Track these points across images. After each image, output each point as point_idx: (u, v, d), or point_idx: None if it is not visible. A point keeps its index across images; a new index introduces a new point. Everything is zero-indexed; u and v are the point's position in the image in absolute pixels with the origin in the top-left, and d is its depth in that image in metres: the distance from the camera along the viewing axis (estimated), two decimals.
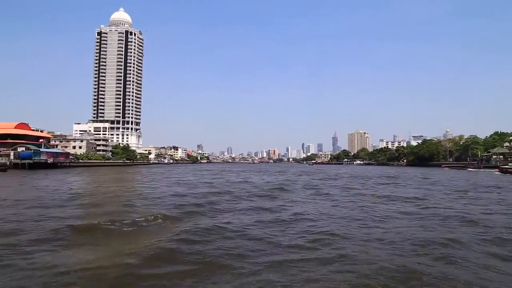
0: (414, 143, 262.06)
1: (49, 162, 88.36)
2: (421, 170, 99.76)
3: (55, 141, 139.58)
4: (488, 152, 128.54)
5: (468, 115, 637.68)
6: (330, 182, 43.34)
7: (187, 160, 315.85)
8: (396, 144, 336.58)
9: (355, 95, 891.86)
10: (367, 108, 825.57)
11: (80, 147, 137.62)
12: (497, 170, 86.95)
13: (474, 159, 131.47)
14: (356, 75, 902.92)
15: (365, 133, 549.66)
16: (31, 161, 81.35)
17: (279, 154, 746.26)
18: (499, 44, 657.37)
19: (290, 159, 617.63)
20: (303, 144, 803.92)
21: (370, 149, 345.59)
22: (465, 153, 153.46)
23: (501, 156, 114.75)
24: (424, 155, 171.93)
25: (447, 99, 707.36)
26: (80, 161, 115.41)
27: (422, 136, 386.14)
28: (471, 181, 46.79)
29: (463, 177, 58.60)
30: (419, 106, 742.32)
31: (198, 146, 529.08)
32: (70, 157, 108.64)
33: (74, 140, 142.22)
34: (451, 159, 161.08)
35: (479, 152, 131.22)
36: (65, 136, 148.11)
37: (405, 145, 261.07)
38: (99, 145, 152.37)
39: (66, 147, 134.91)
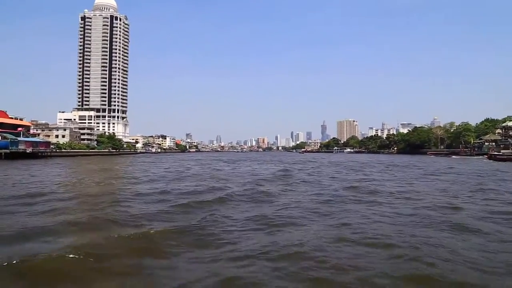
0: (403, 130, 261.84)
1: (28, 152, 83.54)
2: (408, 158, 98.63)
3: (36, 130, 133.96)
4: (480, 139, 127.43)
5: (455, 102, 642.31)
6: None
7: (176, 149, 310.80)
8: (385, 132, 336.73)
9: (343, 83, 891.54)
10: (356, 97, 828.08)
11: (63, 136, 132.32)
12: (487, 157, 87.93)
13: (466, 146, 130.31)
14: (345, 63, 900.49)
15: (354, 121, 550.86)
16: (7, 151, 76.51)
17: (268, 143, 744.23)
18: (489, 24, 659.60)
19: (279, 148, 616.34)
20: (292, 133, 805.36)
21: (359, 137, 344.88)
22: (457, 140, 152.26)
23: (493, 143, 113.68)
24: (415, 143, 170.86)
25: (435, 86, 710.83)
26: (63, 150, 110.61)
27: (410, 123, 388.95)
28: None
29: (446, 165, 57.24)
30: (406, 93, 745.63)
31: (187, 135, 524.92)
32: (52, 146, 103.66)
33: (57, 129, 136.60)
34: (442, 147, 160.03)
35: (471, 139, 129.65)
36: (48, 124, 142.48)
37: (394, 132, 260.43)
38: (83, 134, 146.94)
39: (49, 136, 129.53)
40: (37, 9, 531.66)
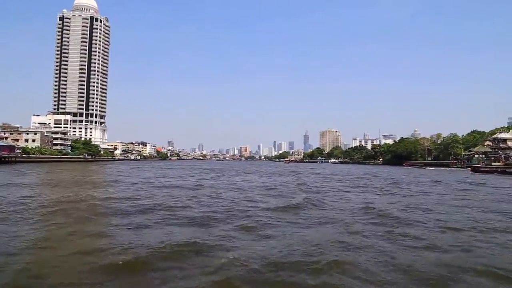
0: (384, 141, 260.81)
1: None
2: (400, 170, 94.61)
3: (4, 133, 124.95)
4: (469, 151, 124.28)
5: (434, 116, 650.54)
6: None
7: (156, 157, 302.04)
8: (369, 143, 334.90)
9: (325, 93, 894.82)
10: (337, 107, 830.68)
11: (33, 141, 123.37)
12: (470, 169, 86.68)
13: (456, 158, 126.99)
14: (327, 73, 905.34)
15: (336, 131, 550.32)
16: None
17: (250, 152, 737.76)
18: (465, 46, 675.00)
19: (262, 157, 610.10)
20: (274, 142, 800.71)
21: (342, 147, 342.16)
22: (444, 152, 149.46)
23: (483, 155, 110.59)
24: (402, 154, 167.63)
25: (414, 100, 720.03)
26: (31, 156, 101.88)
27: (391, 135, 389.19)
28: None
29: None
30: (387, 106, 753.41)
31: (169, 142, 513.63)
32: (18, 151, 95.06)
33: (27, 132, 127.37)
34: (429, 158, 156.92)
35: (461, 151, 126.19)
36: (17, 127, 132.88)
37: (379, 143, 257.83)
38: (56, 138, 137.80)
39: (17, 140, 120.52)
40: (15, 10, 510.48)
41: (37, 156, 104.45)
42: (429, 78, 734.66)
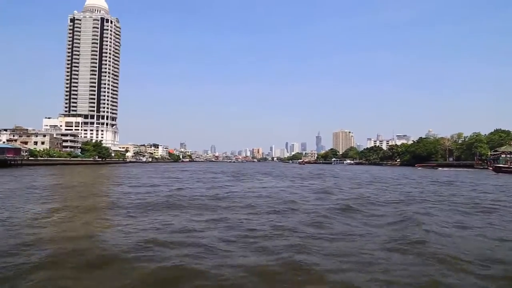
0: (399, 142, 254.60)
1: None
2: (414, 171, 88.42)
3: (13, 136, 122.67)
4: (495, 151, 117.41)
5: (449, 115, 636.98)
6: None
7: (168, 159, 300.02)
8: (384, 144, 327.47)
9: (337, 94, 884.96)
10: (349, 108, 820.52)
11: (42, 143, 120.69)
12: (491, 169, 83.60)
13: (481, 159, 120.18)
14: (339, 74, 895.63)
15: (350, 132, 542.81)
16: None
17: (263, 153, 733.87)
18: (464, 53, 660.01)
19: (275, 158, 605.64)
20: (286, 143, 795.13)
21: (355, 149, 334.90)
22: (467, 152, 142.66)
23: (511, 155, 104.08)
24: (421, 154, 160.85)
25: (428, 99, 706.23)
26: (39, 158, 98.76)
27: (406, 135, 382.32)
28: None
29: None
30: (400, 106, 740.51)
31: (181, 144, 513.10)
32: (25, 154, 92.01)
33: (36, 134, 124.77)
34: (451, 159, 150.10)
35: (488, 151, 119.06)
36: (26, 130, 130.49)
37: (393, 143, 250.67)
38: (66, 141, 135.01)
39: (26, 143, 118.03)
40: (26, 13, 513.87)
41: (45, 159, 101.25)
42: (438, 82, 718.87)
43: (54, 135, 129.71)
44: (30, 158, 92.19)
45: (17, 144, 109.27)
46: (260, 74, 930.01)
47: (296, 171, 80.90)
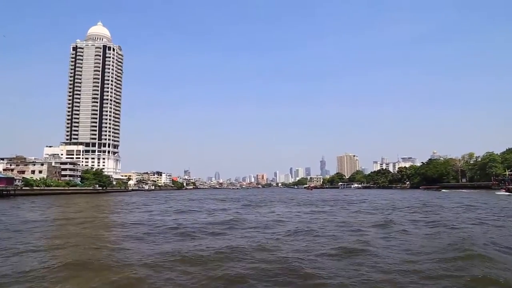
0: (405, 164, 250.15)
1: None
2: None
3: (10, 165, 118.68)
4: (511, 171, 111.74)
5: (452, 137, 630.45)
6: None
7: (172, 186, 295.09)
8: (390, 166, 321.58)
9: (339, 117, 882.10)
10: (352, 132, 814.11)
11: (40, 172, 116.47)
12: (504, 190, 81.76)
13: (499, 179, 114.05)
14: (341, 97, 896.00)
15: (354, 155, 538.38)
16: None
17: (267, 179, 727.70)
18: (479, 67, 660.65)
19: (279, 184, 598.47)
20: (291, 169, 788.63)
21: (362, 172, 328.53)
22: (481, 173, 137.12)
23: None
24: (432, 176, 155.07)
25: (431, 122, 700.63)
26: (34, 188, 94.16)
27: (411, 157, 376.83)
28: None
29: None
30: (402, 129, 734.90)
31: (185, 171, 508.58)
32: (19, 183, 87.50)
33: (34, 163, 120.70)
34: (464, 180, 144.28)
35: (506, 171, 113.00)
36: (24, 158, 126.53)
37: (402, 166, 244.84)
38: (65, 169, 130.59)
39: (23, 172, 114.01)
40: (28, 41, 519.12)
41: (41, 188, 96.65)
42: (440, 102, 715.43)
43: (53, 164, 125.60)
44: (24, 188, 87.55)
45: (14, 174, 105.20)
46: (264, 99, 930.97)
47: (306, 198, 75.67)
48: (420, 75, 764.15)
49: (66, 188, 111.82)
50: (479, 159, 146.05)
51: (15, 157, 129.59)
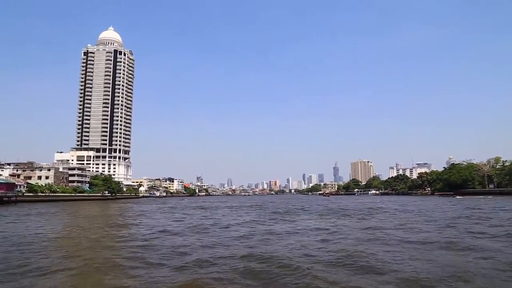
0: (421, 170, 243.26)
1: None
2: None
3: (17, 170, 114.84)
4: None
5: (468, 141, 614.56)
6: None
7: (184, 193, 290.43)
8: (407, 172, 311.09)
9: (353, 125, 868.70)
10: (366, 138, 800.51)
11: (47, 177, 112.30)
12: None
13: None
14: (354, 104, 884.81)
15: (368, 161, 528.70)
16: None
17: (280, 186, 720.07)
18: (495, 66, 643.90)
19: (292, 190, 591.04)
20: (304, 175, 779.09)
21: (378, 178, 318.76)
22: (509, 178, 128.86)
23: None
24: (456, 182, 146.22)
25: (446, 126, 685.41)
26: (39, 194, 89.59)
27: (426, 163, 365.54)
28: None
29: None
30: (417, 134, 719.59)
31: (198, 178, 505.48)
32: (21, 189, 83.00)
33: (40, 168, 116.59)
34: (491, 186, 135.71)
35: None
36: (31, 164, 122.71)
37: (424, 171, 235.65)
38: (73, 175, 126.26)
39: (30, 177, 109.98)
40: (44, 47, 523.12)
41: (46, 194, 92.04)
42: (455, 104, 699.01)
43: (60, 169, 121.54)
44: (27, 194, 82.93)
45: (21, 179, 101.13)
46: (275, 108, 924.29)
47: (332, 205, 68.97)
48: (435, 81, 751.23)
49: (73, 194, 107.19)
50: (507, 164, 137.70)
51: (22, 162, 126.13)
